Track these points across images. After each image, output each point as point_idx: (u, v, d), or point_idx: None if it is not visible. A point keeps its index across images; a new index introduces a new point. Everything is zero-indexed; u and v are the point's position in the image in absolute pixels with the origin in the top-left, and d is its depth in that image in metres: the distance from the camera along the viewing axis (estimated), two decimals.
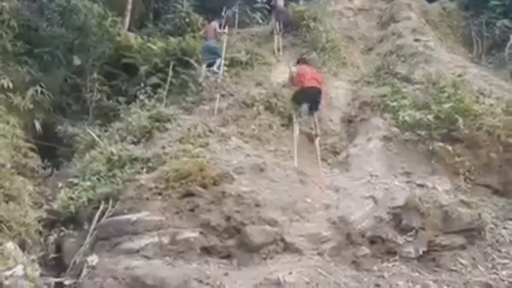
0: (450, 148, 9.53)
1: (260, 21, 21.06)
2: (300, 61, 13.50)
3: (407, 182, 9.12)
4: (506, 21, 18.12)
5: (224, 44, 15.74)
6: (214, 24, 16.38)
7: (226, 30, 17.01)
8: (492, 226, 8.51)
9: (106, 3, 17.36)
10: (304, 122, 11.93)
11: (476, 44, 18.57)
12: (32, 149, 12.09)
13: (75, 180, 9.73)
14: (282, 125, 11.75)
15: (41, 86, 14.34)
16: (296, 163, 10.41)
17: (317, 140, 11.55)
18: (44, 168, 12.03)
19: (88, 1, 16.24)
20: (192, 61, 14.77)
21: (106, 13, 16.46)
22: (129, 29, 19.75)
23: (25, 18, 16.09)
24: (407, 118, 10.52)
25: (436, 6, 21.28)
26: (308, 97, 11.74)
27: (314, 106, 11.82)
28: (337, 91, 14.48)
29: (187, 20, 19.56)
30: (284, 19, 17.29)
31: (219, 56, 14.92)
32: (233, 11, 20.99)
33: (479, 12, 19.54)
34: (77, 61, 15.87)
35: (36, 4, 17.14)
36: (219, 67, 14.61)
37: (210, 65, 14.76)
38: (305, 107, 11.69)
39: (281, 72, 14.91)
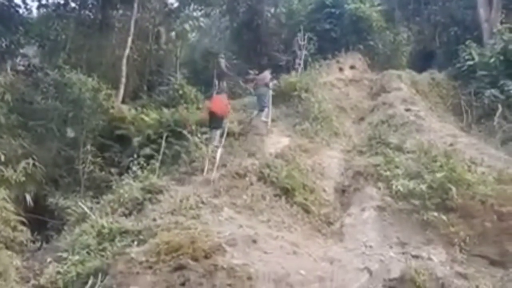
0: (444, 217, 9.42)
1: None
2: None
3: (403, 253, 8.93)
4: (494, 91, 18.50)
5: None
6: (266, 73, 17.37)
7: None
8: None
9: (101, 76, 17.67)
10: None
11: (466, 113, 18.85)
12: (22, 223, 11.93)
13: (64, 254, 9.50)
14: (275, 196, 11.64)
15: (33, 159, 14.34)
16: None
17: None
18: (34, 242, 11.85)
19: (82, 75, 16.52)
20: (185, 132, 14.81)
21: (100, 86, 16.69)
22: (123, 101, 20.07)
23: (20, 92, 16.30)
24: (400, 187, 10.51)
25: (426, 76, 21.85)
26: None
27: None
28: (330, 161, 14.55)
29: (180, 92, 19.88)
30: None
31: (267, 105, 16.32)
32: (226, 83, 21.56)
33: (468, 82, 19.98)
34: (70, 133, 15.98)
35: (31, 78, 17.43)
36: (267, 116, 16.08)
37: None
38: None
39: (273, 142, 15.01)
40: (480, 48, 21.31)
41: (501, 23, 23.00)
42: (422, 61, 26.37)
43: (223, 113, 14.99)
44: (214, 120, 14.85)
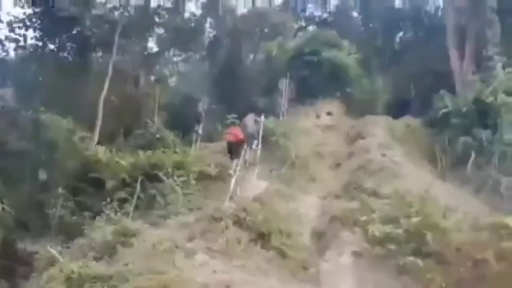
0: (420, 263, 9.32)
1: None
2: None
3: None
4: (467, 138, 18.67)
5: None
6: (252, 116, 18.17)
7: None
8: None
9: (77, 119, 17.58)
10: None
11: (440, 160, 18.96)
12: None
13: None
14: (251, 240, 11.42)
15: (2, 202, 14.03)
16: None
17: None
18: None
19: (58, 117, 16.40)
20: (161, 174, 14.66)
21: (75, 128, 16.57)
22: (100, 144, 19.85)
23: None
24: (376, 232, 10.42)
25: (402, 123, 22.13)
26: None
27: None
28: (307, 206, 14.46)
29: (157, 135, 19.81)
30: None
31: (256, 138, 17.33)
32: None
33: (442, 130, 20.21)
34: (42, 176, 15.69)
35: (6, 119, 17.22)
36: (257, 145, 17.48)
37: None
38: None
39: (250, 186, 14.92)
40: (454, 97, 21.75)
41: (473, 73, 23.62)
42: (398, 108, 26.72)
43: (239, 142, 16.11)
44: (233, 149, 16.10)
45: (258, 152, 17.23)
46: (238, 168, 15.71)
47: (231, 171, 15.25)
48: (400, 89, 29.45)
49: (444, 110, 20.86)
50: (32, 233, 14.73)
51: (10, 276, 12.85)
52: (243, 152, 16.35)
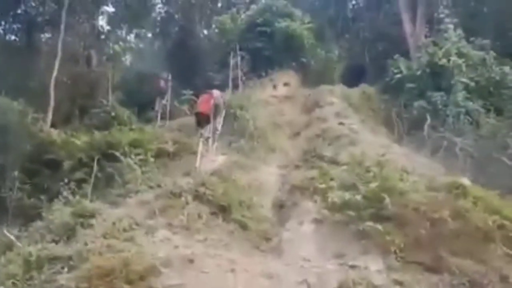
0: (379, 227, 9.45)
1: (188, 112, 21.26)
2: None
3: (340, 264, 8.92)
4: (422, 102, 19.06)
5: None
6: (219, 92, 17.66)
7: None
8: None
9: (29, 101, 17.16)
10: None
11: (397, 125, 19.31)
12: None
13: None
14: (211, 214, 11.40)
15: None
16: None
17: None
18: None
19: (8, 100, 15.95)
20: (118, 154, 14.42)
21: (26, 110, 16.15)
22: (55, 126, 19.46)
23: None
24: (336, 199, 10.52)
25: (357, 90, 22.42)
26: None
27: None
28: (267, 177, 14.52)
29: (112, 114, 19.51)
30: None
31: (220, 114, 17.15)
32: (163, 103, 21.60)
33: (397, 95, 20.59)
34: None
35: None
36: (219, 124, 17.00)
37: None
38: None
39: (209, 161, 14.85)
40: (407, 62, 22.07)
41: (426, 37, 24.00)
42: (354, 76, 27.01)
43: (208, 112, 15.81)
44: (202, 120, 15.90)
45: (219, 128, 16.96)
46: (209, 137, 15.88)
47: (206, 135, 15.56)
48: (355, 56, 29.76)
49: (398, 75, 21.19)
50: None
51: None
52: (208, 127, 16.02)
